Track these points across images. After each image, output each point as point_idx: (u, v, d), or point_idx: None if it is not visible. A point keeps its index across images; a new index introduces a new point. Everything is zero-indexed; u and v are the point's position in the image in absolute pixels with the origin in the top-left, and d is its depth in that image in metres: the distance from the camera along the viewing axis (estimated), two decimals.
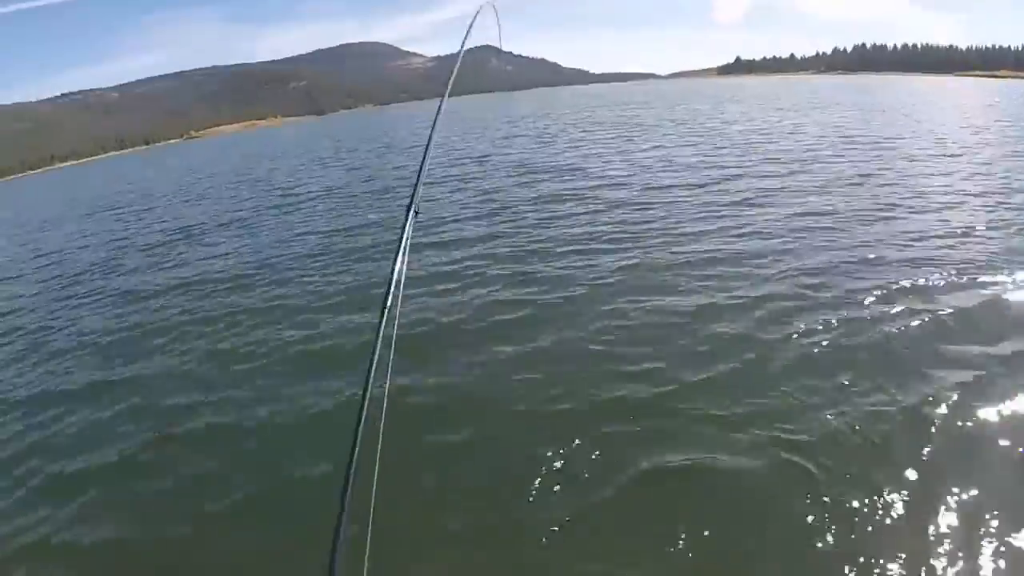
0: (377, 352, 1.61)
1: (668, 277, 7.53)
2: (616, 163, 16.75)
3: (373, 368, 1.57)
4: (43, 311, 9.89)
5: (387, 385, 1.60)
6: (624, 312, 6.57)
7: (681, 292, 7.01)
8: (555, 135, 26.48)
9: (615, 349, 5.76)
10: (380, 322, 1.72)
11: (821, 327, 5.80)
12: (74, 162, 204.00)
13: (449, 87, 2.85)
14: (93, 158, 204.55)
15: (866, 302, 6.29)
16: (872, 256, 7.73)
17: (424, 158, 2.49)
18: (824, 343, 5.51)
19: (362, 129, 59.42)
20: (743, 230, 9.25)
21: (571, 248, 9.11)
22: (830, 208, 10.24)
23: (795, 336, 5.66)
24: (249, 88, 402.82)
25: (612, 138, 23.12)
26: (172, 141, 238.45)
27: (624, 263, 8.19)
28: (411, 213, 2.15)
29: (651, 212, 10.89)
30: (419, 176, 2.36)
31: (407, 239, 2.02)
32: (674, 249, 8.61)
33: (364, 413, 1.46)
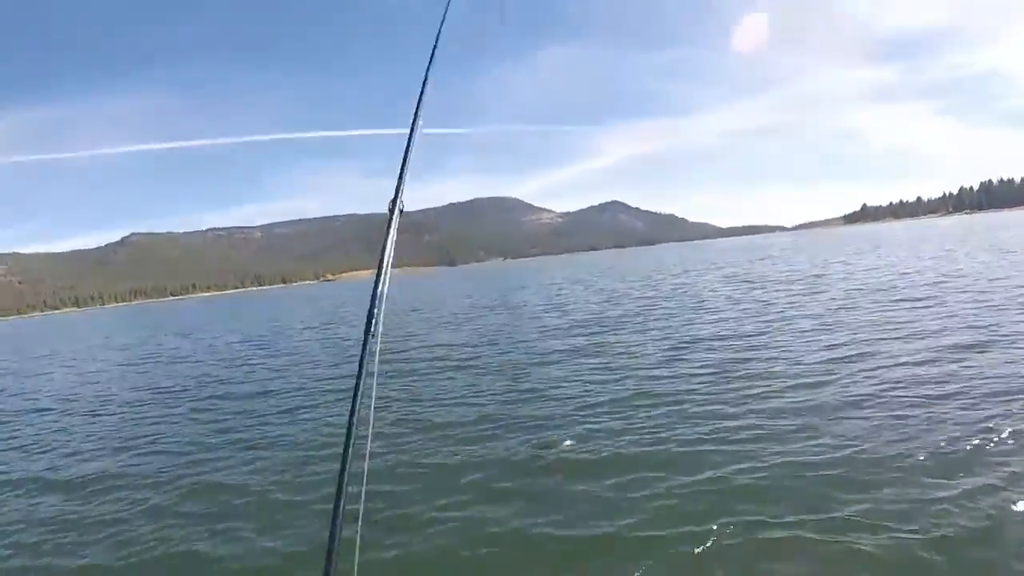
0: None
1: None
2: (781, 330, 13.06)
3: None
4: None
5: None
6: None
7: None
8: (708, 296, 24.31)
9: None
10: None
11: None
12: (215, 292, 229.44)
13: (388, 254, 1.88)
14: (232, 291, 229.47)
15: None
16: None
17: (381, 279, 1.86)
18: None
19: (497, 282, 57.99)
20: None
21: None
22: None
23: None
24: (384, 237, 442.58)
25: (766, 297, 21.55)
26: (308, 282, 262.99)
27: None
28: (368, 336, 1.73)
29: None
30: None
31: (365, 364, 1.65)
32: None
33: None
